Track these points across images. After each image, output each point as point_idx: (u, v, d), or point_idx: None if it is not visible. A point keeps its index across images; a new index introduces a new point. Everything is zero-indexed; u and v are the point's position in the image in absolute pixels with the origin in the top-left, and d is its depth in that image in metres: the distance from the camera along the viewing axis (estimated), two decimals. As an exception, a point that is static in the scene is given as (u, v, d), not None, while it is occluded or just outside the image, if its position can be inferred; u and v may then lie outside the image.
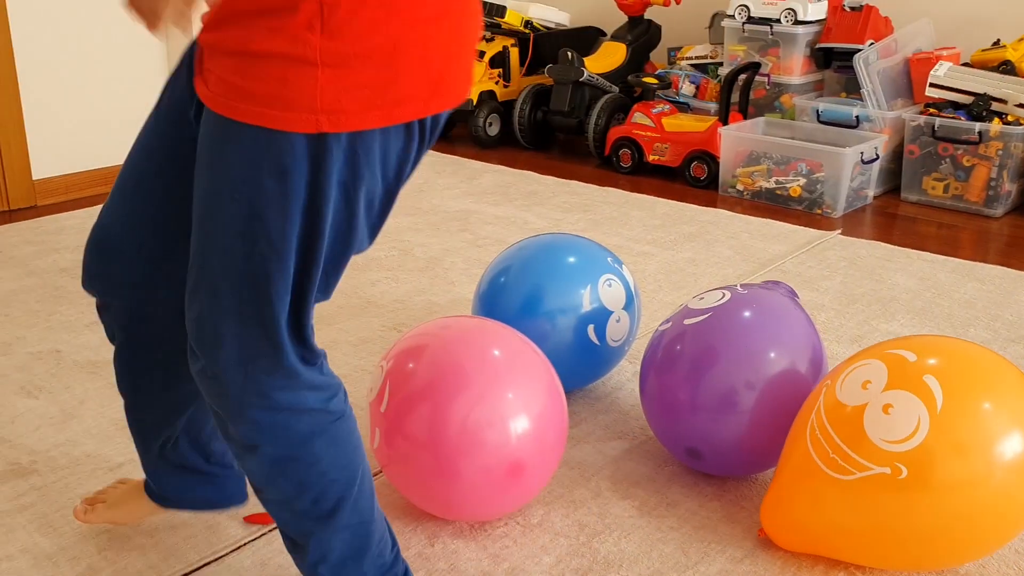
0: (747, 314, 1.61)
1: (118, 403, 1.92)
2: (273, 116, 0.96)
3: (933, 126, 3.30)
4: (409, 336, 1.55)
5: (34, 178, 3.22)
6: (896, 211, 3.36)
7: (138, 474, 1.69)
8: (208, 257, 1.04)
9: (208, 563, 1.48)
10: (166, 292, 1.22)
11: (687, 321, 1.65)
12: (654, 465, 1.75)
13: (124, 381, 1.35)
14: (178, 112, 1.12)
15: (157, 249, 1.20)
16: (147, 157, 1.18)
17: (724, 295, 1.66)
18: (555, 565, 1.48)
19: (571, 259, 1.88)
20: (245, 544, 1.52)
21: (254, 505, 1.60)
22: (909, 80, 3.54)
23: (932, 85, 3.35)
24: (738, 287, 1.69)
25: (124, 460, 1.74)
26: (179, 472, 1.41)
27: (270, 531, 1.54)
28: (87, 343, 2.20)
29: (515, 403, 1.46)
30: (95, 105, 3.37)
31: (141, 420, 1.39)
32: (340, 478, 1.15)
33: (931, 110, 3.35)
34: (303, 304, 1.06)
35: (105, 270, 1.23)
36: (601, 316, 1.84)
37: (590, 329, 1.83)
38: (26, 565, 1.47)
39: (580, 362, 1.86)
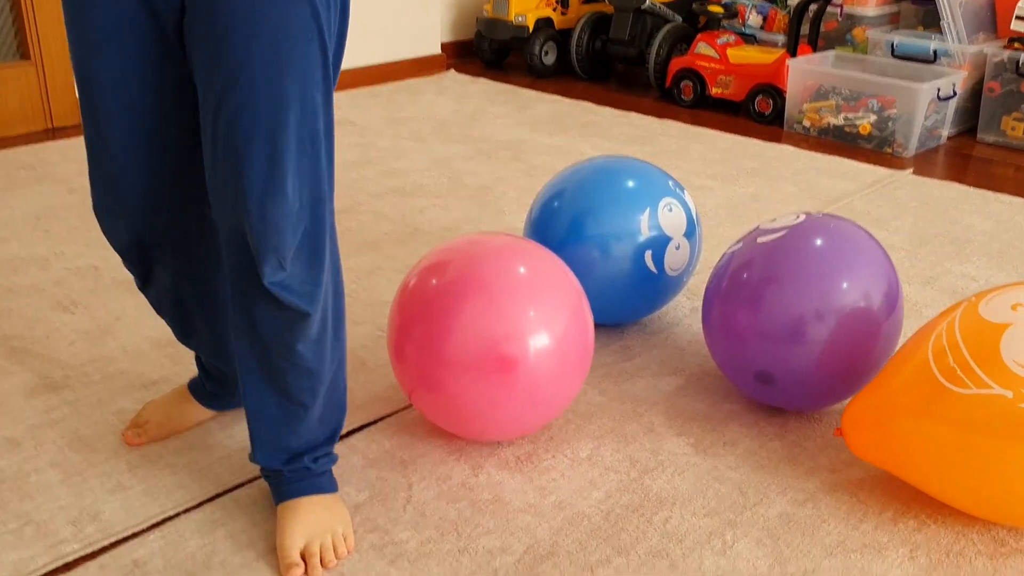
0: (821, 239, 1.50)
1: (155, 321, 1.87)
2: None
3: (1017, 62, 3.10)
4: (436, 251, 1.47)
5: (77, 96, 3.16)
6: (971, 152, 3.18)
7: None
8: (281, 108, 1.08)
9: (242, 484, 1.41)
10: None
11: (760, 240, 1.53)
12: (711, 402, 1.65)
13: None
14: (145, 37, 1.13)
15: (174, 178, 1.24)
16: (136, 97, 1.16)
17: (799, 216, 1.55)
18: (604, 500, 1.39)
19: (629, 182, 1.77)
20: (279, 467, 1.45)
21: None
22: (993, 13, 3.33)
23: (1019, 18, 3.14)
24: (814, 213, 1.58)
25: (159, 378, 1.68)
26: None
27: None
28: (127, 260, 2.14)
29: (535, 321, 1.37)
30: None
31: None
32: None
33: (1016, 45, 3.15)
34: None
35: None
36: (660, 243, 1.73)
37: (648, 256, 1.72)
38: (55, 479, 1.42)
39: (636, 291, 1.76)
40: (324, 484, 1.32)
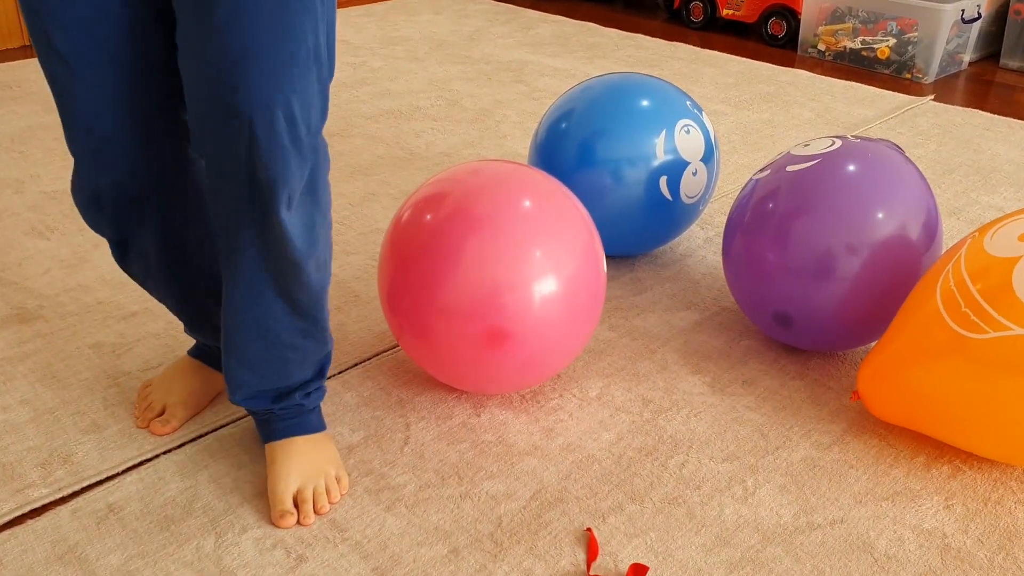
0: (856, 167, 1.37)
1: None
2: None
3: (1046, -18, 2.95)
4: (432, 182, 1.31)
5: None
6: (993, 78, 3.04)
7: (152, 323, 1.54)
8: (287, 34, 0.95)
9: (225, 424, 1.31)
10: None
11: (790, 168, 1.41)
12: (728, 338, 1.54)
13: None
14: None
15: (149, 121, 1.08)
16: (110, 40, 1.01)
17: (834, 142, 1.42)
18: (615, 443, 1.29)
19: (644, 102, 1.64)
20: (267, 405, 1.35)
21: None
22: (1021, -70, 3.16)
23: (1049, -65, 2.98)
24: (850, 136, 1.45)
25: (139, 309, 1.57)
26: None
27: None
28: (106, 184, 2.02)
29: (543, 263, 1.23)
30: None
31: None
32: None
33: (1045, -36, 2.99)
34: None
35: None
36: (676, 167, 1.61)
37: (662, 182, 1.60)
38: (25, 418, 1.32)
39: (649, 219, 1.64)
40: (315, 422, 1.22)
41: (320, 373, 1.22)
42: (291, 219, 1.02)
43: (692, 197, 1.65)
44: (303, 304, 1.11)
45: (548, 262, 1.23)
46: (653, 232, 1.69)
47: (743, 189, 1.49)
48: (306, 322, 1.13)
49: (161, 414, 1.31)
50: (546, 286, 1.23)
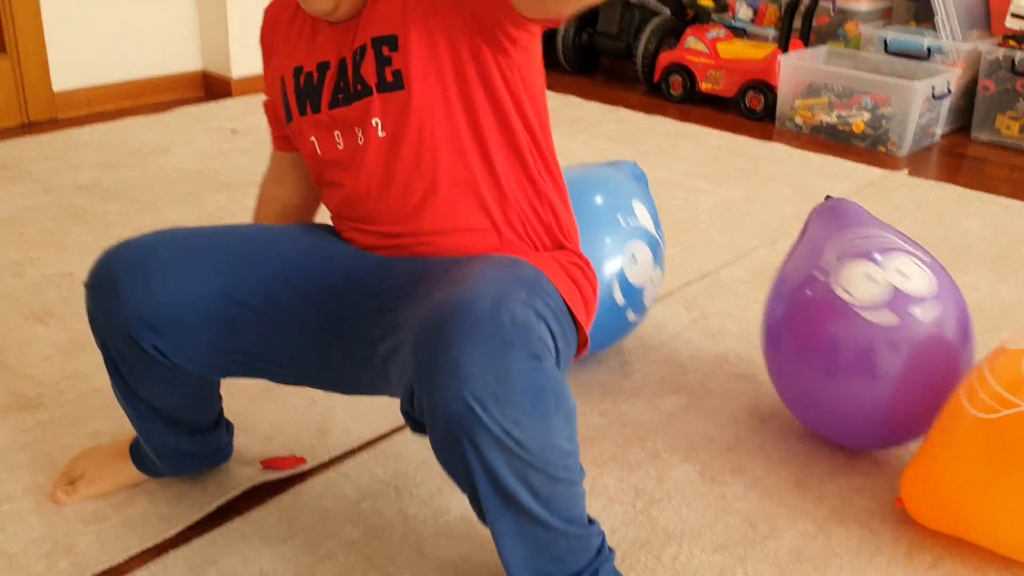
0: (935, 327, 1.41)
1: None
2: None
3: (1013, 60, 3.06)
4: None
5: (54, 90, 3.06)
6: (964, 151, 3.14)
7: (152, 414, 1.56)
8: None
9: (231, 517, 1.34)
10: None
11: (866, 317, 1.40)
12: (715, 424, 1.59)
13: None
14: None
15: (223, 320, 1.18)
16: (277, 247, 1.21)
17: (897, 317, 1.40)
18: (610, 535, 1.32)
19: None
20: (271, 499, 1.38)
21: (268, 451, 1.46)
22: (987, 9, 3.29)
23: (1013, 15, 3.10)
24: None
25: (138, 397, 1.60)
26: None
27: (288, 478, 1.40)
28: (103, 266, 2.06)
29: None
30: (120, 13, 3.17)
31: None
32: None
33: (1011, 42, 3.11)
34: None
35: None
36: (634, 294, 1.65)
37: (618, 296, 1.63)
38: (28, 508, 1.34)
39: (606, 329, 1.64)
40: None
41: (598, 552, 1.13)
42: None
43: (651, 298, 1.70)
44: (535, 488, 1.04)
45: None
46: (612, 337, 1.72)
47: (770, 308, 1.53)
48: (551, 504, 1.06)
49: (72, 482, 1.37)
50: None
